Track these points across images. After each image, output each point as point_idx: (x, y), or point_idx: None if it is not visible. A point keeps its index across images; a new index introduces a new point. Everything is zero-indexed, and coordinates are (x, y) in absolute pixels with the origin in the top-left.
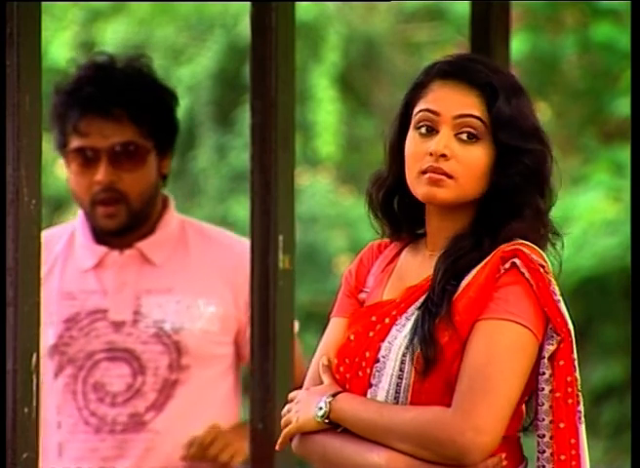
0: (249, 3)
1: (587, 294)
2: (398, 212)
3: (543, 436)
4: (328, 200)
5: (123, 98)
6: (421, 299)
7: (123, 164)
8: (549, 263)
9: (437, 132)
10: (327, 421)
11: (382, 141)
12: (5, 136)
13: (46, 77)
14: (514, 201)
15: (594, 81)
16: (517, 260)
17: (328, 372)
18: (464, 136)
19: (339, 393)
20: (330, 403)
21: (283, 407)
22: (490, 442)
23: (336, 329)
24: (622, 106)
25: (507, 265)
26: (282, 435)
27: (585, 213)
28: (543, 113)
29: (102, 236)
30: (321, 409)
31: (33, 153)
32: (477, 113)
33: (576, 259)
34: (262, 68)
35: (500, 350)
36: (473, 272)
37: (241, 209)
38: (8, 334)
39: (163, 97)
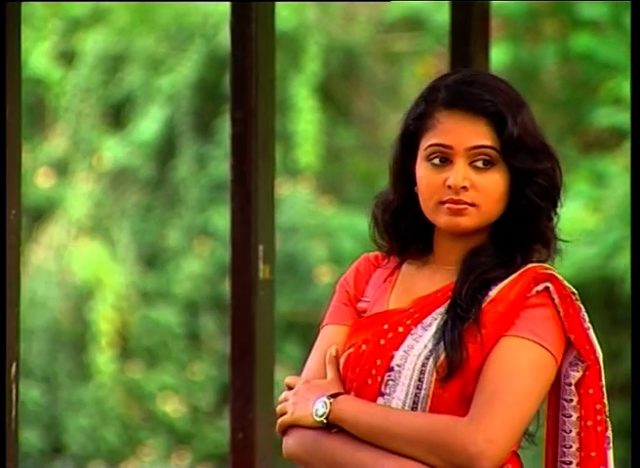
0: (229, 12)
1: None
2: (406, 232)
3: (570, 463)
4: (308, 210)
5: None
6: (440, 309)
7: None
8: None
9: (451, 162)
10: (325, 421)
11: (362, 152)
12: None
13: (25, 87)
14: (534, 221)
15: (574, 91)
16: (550, 285)
17: (333, 364)
18: (480, 164)
19: (339, 394)
20: (330, 403)
21: (263, 417)
22: (501, 454)
23: (334, 335)
24: (602, 116)
25: (540, 288)
26: (278, 423)
27: (565, 222)
28: None
29: None
30: (321, 409)
31: (13, 163)
32: (489, 142)
33: (555, 269)
34: (243, 78)
35: (522, 368)
36: (500, 286)
37: (221, 218)
38: None
39: None
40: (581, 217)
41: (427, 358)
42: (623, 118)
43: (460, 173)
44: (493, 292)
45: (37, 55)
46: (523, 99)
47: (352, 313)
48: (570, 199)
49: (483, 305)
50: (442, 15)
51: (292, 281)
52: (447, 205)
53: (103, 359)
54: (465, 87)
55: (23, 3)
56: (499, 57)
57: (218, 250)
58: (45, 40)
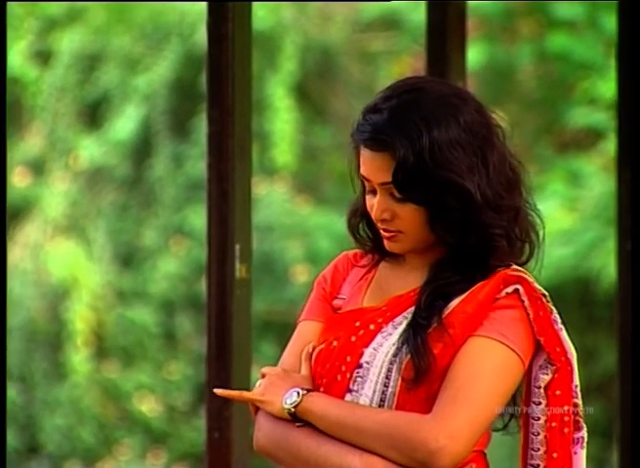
0: (205, 12)
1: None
2: (373, 236)
3: (538, 466)
4: (284, 209)
5: None
6: (411, 309)
7: None
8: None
9: (376, 191)
10: (292, 411)
11: (339, 152)
12: None
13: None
14: (468, 245)
15: (550, 91)
16: (520, 287)
17: (308, 362)
18: (396, 195)
19: (312, 391)
20: (303, 395)
21: (239, 416)
22: (461, 451)
23: (309, 331)
24: (578, 116)
25: (510, 290)
26: (239, 393)
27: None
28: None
29: None
30: (291, 398)
31: None
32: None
33: (527, 272)
34: (219, 77)
35: (488, 368)
36: (468, 291)
37: (197, 218)
38: None
39: None
40: (557, 217)
41: (395, 356)
42: (599, 118)
43: (379, 206)
44: (453, 303)
45: (13, 54)
46: (443, 116)
47: (328, 309)
48: (546, 199)
49: (448, 310)
50: (418, 14)
51: (268, 280)
52: (381, 230)
53: (79, 358)
54: (377, 117)
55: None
56: (475, 56)
57: (194, 249)
58: (21, 39)
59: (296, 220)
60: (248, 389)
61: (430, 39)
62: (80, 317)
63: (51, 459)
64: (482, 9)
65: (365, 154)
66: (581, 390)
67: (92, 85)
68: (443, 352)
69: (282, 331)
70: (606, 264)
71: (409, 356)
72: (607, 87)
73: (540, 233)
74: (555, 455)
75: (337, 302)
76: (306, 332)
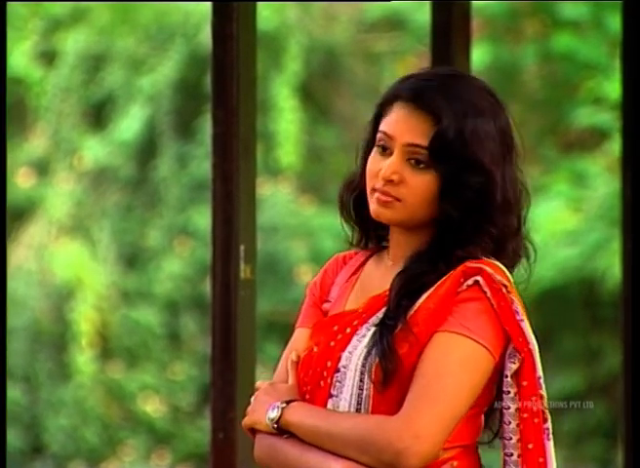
0: (210, 12)
1: (547, 305)
2: (367, 216)
3: (511, 455)
4: (289, 210)
5: None
6: (383, 310)
7: None
8: (513, 282)
9: (392, 153)
10: (275, 426)
11: (343, 152)
12: None
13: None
14: (464, 228)
15: (554, 91)
16: (480, 278)
17: (294, 370)
18: (413, 163)
19: (293, 401)
20: (282, 409)
21: (244, 417)
22: (428, 449)
23: (299, 338)
24: (582, 116)
25: (470, 282)
26: (243, 423)
27: (545, 223)
28: None
29: None
30: (272, 414)
31: None
32: (424, 143)
33: (536, 270)
34: (224, 78)
35: (451, 363)
36: (433, 287)
37: (202, 218)
38: None
39: None
40: (562, 218)
41: (366, 359)
42: (604, 118)
43: (391, 166)
44: (424, 295)
45: (17, 54)
46: (485, 108)
47: (318, 314)
48: (550, 199)
49: (412, 309)
50: (423, 15)
51: (273, 281)
52: (376, 194)
53: (84, 359)
54: (426, 83)
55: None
56: (479, 57)
57: (198, 249)
58: (25, 40)
59: (300, 221)
60: (252, 389)
61: (435, 39)
62: (84, 317)
63: (55, 460)
64: (486, 9)
65: (401, 111)
66: (582, 393)
67: (96, 85)
68: (409, 352)
69: (286, 331)
70: (611, 265)
71: (377, 359)
72: (611, 87)
73: (529, 263)
74: (531, 446)
75: (326, 306)
76: (297, 341)
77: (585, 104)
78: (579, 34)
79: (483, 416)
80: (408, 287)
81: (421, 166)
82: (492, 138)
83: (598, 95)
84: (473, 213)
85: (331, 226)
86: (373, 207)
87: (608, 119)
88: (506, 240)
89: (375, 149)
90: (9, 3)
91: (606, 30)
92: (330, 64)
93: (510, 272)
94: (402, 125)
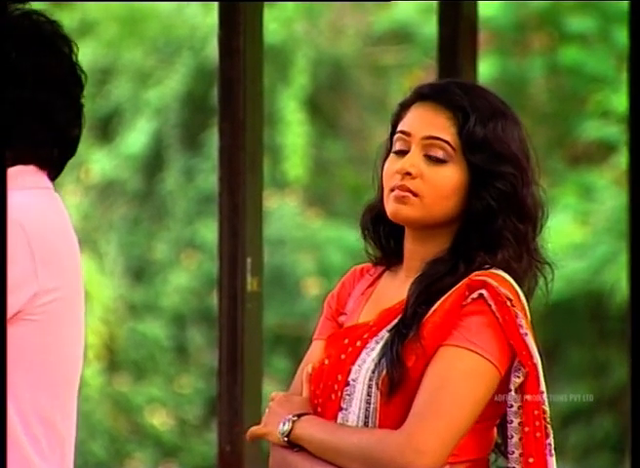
0: (217, 25)
1: (555, 318)
2: (384, 236)
3: None
4: (296, 222)
5: None
6: (394, 322)
7: None
8: (522, 295)
9: (409, 151)
10: (286, 439)
11: (351, 165)
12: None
13: None
14: (491, 226)
15: (561, 104)
16: (484, 292)
17: (308, 383)
18: (434, 157)
19: (305, 414)
20: (293, 422)
21: (253, 432)
22: (430, 464)
23: (315, 351)
24: (590, 129)
25: (475, 295)
26: (249, 431)
27: (553, 236)
28: None
29: None
30: (284, 427)
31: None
32: (446, 136)
33: (543, 283)
34: (231, 91)
35: (455, 377)
36: (444, 296)
37: (209, 231)
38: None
39: None
40: (570, 231)
41: (374, 372)
42: (611, 131)
43: (409, 159)
44: (436, 305)
45: None
46: (507, 112)
47: (335, 327)
48: (558, 212)
49: (424, 318)
50: (430, 28)
51: (280, 293)
52: (394, 192)
53: (91, 372)
54: (446, 84)
55: None
56: (486, 70)
57: (205, 262)
58: None
59: (307, 234)
60: (259, 402)
61: (442, 52)
62: (92, 330)
63: None
64: (494, 22)
65: (418, 109)
66: (590, 406)
67: (103, 98)
68: (416, 363)
69: (293, 344)
70: (618, 278)
71: (385, 370)
72: (619, 100)
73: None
74: (531, 460)
75: (341, 319)
76: (313, 353)
77: (593, 118)
78: (586, 47)
79: (495, 430)
80: (425, 292)
81: (441, 161)
82: (517, 140)
83: (605, 108)
84: (504, 206)
85: (338, 239)
86: (389, 207)
87: (615, 132)
88: (523, 247)
89: (391, 155)
90: None
91: (613, 43)
92: (337, 77)
93: (522, 283)
94: (420, 120)
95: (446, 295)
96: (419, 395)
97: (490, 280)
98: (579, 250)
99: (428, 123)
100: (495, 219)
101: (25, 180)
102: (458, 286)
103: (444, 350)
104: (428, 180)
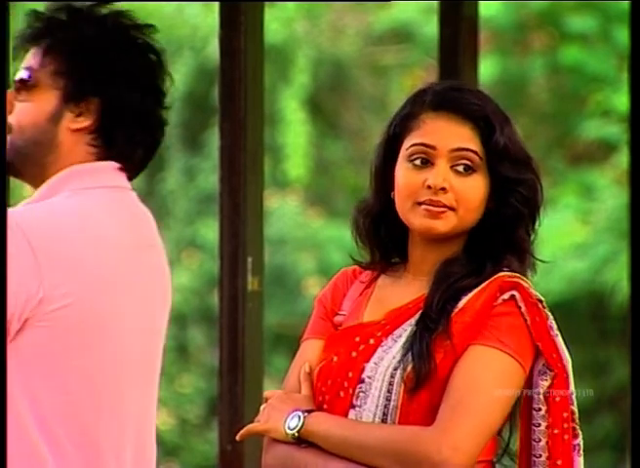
0: (218, 25)
1: (555, 318)
2: (385, 238)
3: None
4: (296, 222)
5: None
6: (411, 320)
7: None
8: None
9: (432, 164)
10: (296, 435)
11: (351, 164)
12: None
13: None
14: (513, 230)
15: (562, 104)
16: (516, 293)
17: (308, 381)
18: (461, 169)
19: (313, 411)
20: (305, 418)
21: (249, 429)
22: (465, 462)
23: (310, 350)
24: (590, 129)
25: (506, 296)
26: (246, 428)
27: (554, 236)
28: None
29: None
30: (294, 422)
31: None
32: (473, 146)
33: (544, 283)
34: (231, 91)
35: (488, 377)
36: (469, 296)
37: (209, 231)
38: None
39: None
40: (570, 230)
41: (396, 369)
42: (612, 130)
43: (440, 173)
44: (462, 302)
45: None
46: (508, 114)
47: (329, 327)
48: (558, 212)
49: (452, 315)
50: (430, 28)
51: (280, 293)
52: (424, 206)
53: None
54: (453, 92)
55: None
56: (487, 70)
57: (206, 262)
58: None
59: (308, 233)
60: (259, 402)
61: (443, 52)
62: None
63: None
64: (494, 22)
65: (436, 120)
66: (591, 406)
67: None
68: (444, 360)
69: (294, 344)
70: (619, 278)
71: (411, 364)
72: (619, 100)
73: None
74: (559, 463)
75: (337, 319)
76: (307, 352)
77: (593, 117)
78: (587, 47)
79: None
80: (451, 289)
81: (469, 171)
82: (522, 141)
83: (606, 107)
84: (525, 210)
85: (338, 239)
86: (420, 221)
87: (616, 131)
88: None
89: (406, 165)
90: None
91: (614, 43)
92: (337, 77)
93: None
94: (444, 132)
95: (474, 294)
96: (449, 393)
97: (521, 281)
98: (579, 249)
99: (454, 135)
100: (520, 224)
101: (98, 178)
102: (487, 285)
103: (474, 349)
104: (460, 193)
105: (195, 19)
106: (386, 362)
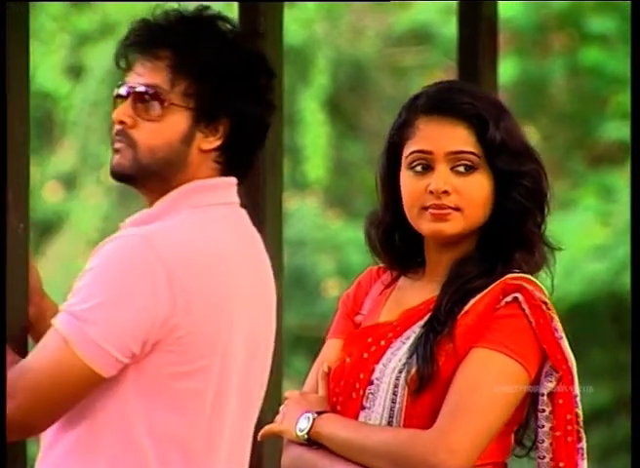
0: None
1: (576, 319)
2: (400, 246)
3: None
4: (316, 223)
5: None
6: (420, 322)
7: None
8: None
9: (432, 168)
10: (306, 437)
11: (370, 165)
12: None
13: (33, 101)
14: (523, 225)
15: (582, 105)
16: (519, 295)
17: (325, 381)
18: (461, 169)
19: (324, 412)
20: (314, 419)
21: (267, 430)
22: (462, 465)
23: (331, 350)
24: (610, 130)
25: (509, 298)
26: (264, 429)
27: (574, 237)
28: (531, 137)
29: None
30: (303, 424)
31: (21, 177)
32: (469, 147)
33: (564, 285)
34: None
35: (488, 379)
36: (476, 298)
37: None
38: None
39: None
40: (590, 232)
41: (401, 371)
42: None
43: (441, 177)
44: (468, 305)
45: (45, 69)
46: (506, 107)
47: (350, 326)
48: (578, 213)
49: (458, 317)
50: (450, 28)
51: (300, 295)
52: (430, 210)
53: None
54: (445, 93)
55: (32, 17)
56: (507, 71)
57: None
58: (53, 54)
59: (327, 235)
60: (278, 404)
61: (462, 53)
62: None
63: None
64: (514, 23)
65: (429, 125)
66: (611, 407)
67: None
68: (446, 363)
69: (313, 345)
70: None
71: (416, 366)
72: None
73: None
74: (562, 465)
75: (358, 318)
76: (329, 352)
77: (613, 118)
78: (606, 48)
79: (512, 436)
80: (460, 291)
81: (469, 171)
82: (522, 132)
83: (626, 108)
84: (532, 203)
85: (358, 240)
86: (428, 226)
87: None
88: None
89: (408, 173)
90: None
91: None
92: (357, 78)
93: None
94: (438, 136)
95: (479, 297)
96: (450, 395)
97: (525, 284)
98: (599, 251)
99: (449, 137)
100: (526, 218)
101: (217, 195)
102: (492, 288)
103: (476, 351)
104: (463, 193)
105: None
106: (393, 364)
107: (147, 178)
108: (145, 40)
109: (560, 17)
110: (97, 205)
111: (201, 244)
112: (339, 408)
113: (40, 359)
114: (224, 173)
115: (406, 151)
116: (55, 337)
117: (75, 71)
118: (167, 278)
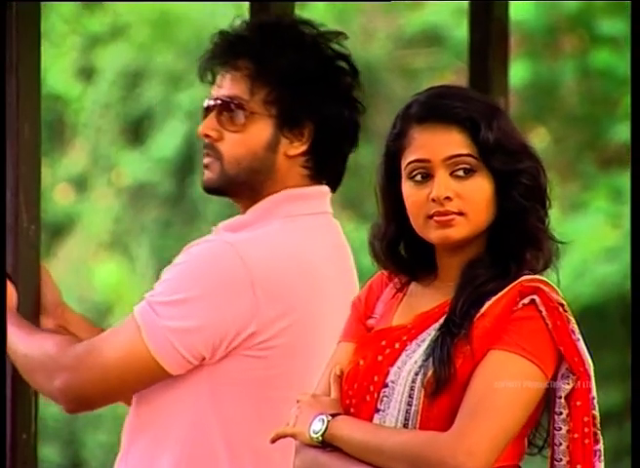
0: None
1: (586, 322)
2: (407, 256)
3: None
4: None
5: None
6: (435, 325)
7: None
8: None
9: (432, 176)
10: (320, 439)
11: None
12: (4, 163)
13: (45, 104)
14: (526, 222)
15: (593, 107)
16: (536, 298)
17: (337, 383)
18: (461, 173)
19: (338, 414)
20: (329, 421)
21: (280, 433)
22: (480, 467)
23: (342, 353)
24: (621, 132)
25: (526, 301)
26: (276, 431)
27: (584, 239)
28: (542, 139)
29: None
30: (318, 426)
31: (32, 179)
32: (465, 150)
33: (575, 287)
34: None
35: (505, 380)
36: (492, 300)
37: None
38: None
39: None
40: (601, 234)
41: (417, 374)
42: None
43: (441, 184)
44: (484, 307)
45: (56, 71)
46: (499, 107)
47: (362, 330)
48: (589, 215)
49: (474, 320)
50: (461, 31)
51: None
52: (434, 218)
53: None
54: (435, 99)
55: (43, 19)
56: (518, 73)
57: None
58: (64, 56)
59: None
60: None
61: (473, 56)
62: None
63: None
64: (524, 25)
65: (422, 133)
66: (621, 410)
67: (135, 101)
68: (463, 366)
69: None
70: None
71: (432, 368)
72: None
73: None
74: (579, 467)
75: (370, 322)
76: (340, 355)
77: (625, 120)
78: (617, 50)
79: (526, 438)
80: (476, 293)
81: (469, 174)
82: (516, 129)
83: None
84: (532, 200)
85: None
86: (435, 233)
87: None
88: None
89: (408, 183)
90: (46, 19)
91: None
92: (368, 80)
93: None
94: (433, 143)
95: (495, 299)
96: (467, 397)
97: (542, 286)
98: (610, 253)
99: (443, 143)
100: (528, 215)
101: (309, 205)
102: (508, 290)
103: (493, 354)
104: (465, 197)
105: (226, 22)
106: (409, 366)
107: (237, 188)
108: (225, 52)
109: (571, 19)
110: (108, 207)
111: (289, 255)
112: (352, 410)
113: (112, 342)
114: (314, 178)
115: (404, 162)
116: (130, 324)
117: (86, 73)
118: (251, 286)
